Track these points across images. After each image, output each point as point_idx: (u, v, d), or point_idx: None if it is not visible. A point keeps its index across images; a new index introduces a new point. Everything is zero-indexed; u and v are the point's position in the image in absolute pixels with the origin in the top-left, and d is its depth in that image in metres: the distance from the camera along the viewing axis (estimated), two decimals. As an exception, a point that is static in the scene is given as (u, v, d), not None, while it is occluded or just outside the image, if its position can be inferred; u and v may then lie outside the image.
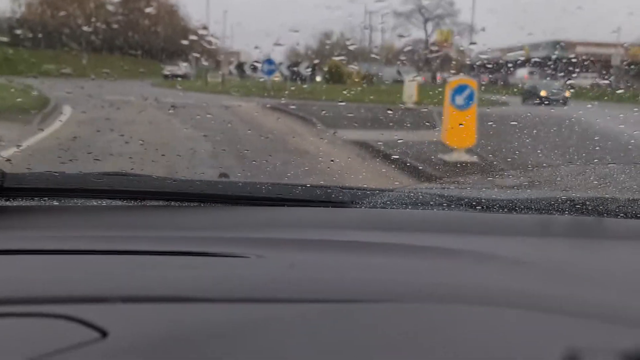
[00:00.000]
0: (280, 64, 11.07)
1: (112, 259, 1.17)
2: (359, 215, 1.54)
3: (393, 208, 1.57)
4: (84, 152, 2.27)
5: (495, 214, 1.55)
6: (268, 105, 10.23)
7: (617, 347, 0.57)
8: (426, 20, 33.42)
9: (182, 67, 10.68)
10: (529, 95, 12.50)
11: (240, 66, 11.46)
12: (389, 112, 7.81)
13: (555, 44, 11.94)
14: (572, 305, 0.99)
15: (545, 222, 1.52)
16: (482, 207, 1.57)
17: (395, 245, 1.28)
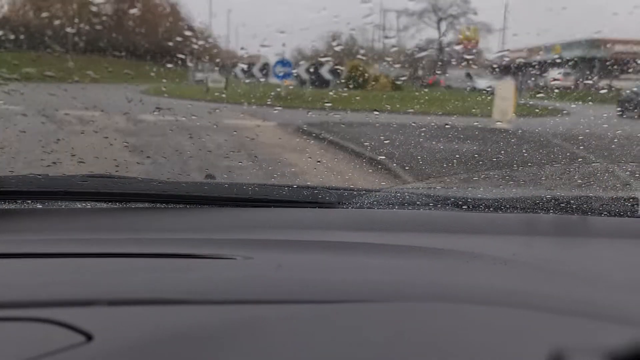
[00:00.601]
0: (298, 64, 8.80)
1: (96, 262, 1.16)
2: (345, 215, 1.55)
3: (380, 208, 1.57)
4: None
5: (481, 213, 1.57)
6: (295, 128, 6.39)
7: (603, 344, 0.57)
8: (439, 20, 32.60)
9: (223, 75, 8.92)
10: (632, 103, 8.26)
11: (248, 68, 8.78)
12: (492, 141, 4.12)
13: (590, 43, 10.39)
14: (557, 303, 0.99)
15: (531, 220, 1.53)
16: (468, 207, 1.58)
17: (382, 245, 1.28)
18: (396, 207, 1.58)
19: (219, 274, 1.10)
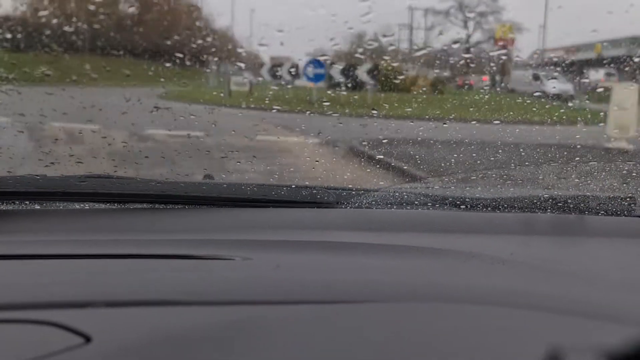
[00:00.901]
0: (332, 64, 7.65)
1: (95, 263, 1.16)
2: (344, 215, 1.55)
3: (378, 208, 1.58)
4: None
5: (479, 212, 1.57)
6: (342, 147, 4.89)
7: (600, 343, 0.58)
8: (467, 19, 31.92)
9: (247, 77, 8.17)
10: None
11: (274, 69, 7.98)
12: None
13: (634, 40, 9.52)
14: (555, 302, 1.00)
15: (528, 220, 1.54)
16: (466, 206, 1.58)
17: (381, 245, 1.29)
18: (394, 207, 1.58)
19: (218, 274, 1.11)
